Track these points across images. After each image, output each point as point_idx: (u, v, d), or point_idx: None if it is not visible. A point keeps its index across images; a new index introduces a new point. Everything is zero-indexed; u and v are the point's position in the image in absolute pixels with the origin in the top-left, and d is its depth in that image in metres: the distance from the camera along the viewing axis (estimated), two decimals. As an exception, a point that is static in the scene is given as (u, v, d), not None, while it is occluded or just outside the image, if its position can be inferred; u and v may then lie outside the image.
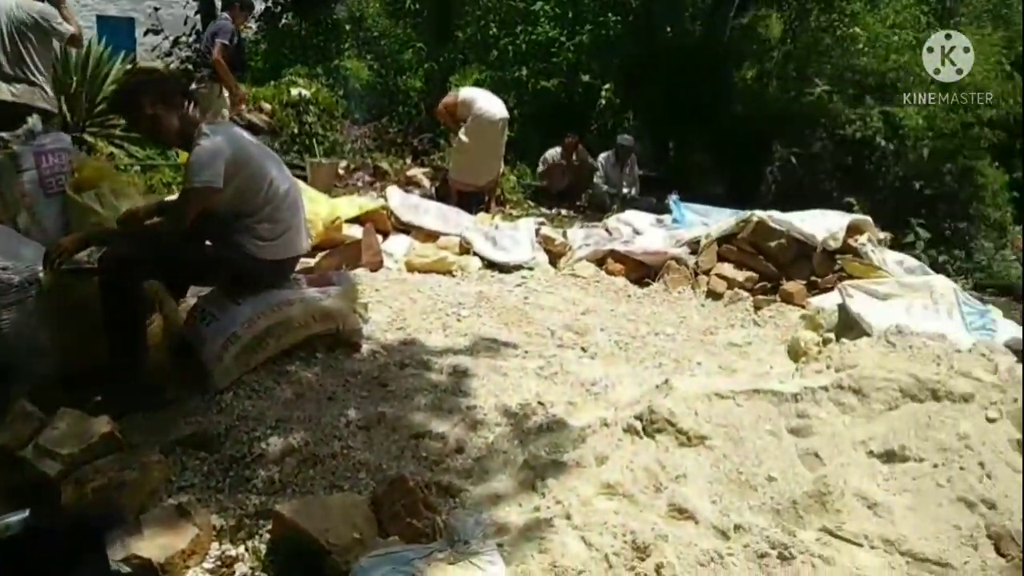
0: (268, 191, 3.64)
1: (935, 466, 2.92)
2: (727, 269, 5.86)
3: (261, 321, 3.66)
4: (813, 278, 5.64)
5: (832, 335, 4.60)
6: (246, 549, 2.66)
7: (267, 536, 2.66)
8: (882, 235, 6.12)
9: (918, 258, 8.51)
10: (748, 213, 6.01)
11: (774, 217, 5.83)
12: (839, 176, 11.01)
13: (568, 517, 2.76)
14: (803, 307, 5.27)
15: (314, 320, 3.81)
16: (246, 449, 3.16)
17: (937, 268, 9.36)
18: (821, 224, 5.68)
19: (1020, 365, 3.73)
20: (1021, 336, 4.22)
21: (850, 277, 5.23)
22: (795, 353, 4.55)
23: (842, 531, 2.76)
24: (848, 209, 8.06)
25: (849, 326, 4.57)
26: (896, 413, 3.17)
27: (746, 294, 5.70)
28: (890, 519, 2.78)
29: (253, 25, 12.93)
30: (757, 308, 5.53)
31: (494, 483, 3.08)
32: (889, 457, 3.00)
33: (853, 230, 5.69)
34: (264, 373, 3.67)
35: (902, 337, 3.89)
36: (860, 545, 2.72)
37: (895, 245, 8.59)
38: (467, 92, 8.75)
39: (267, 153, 3.83)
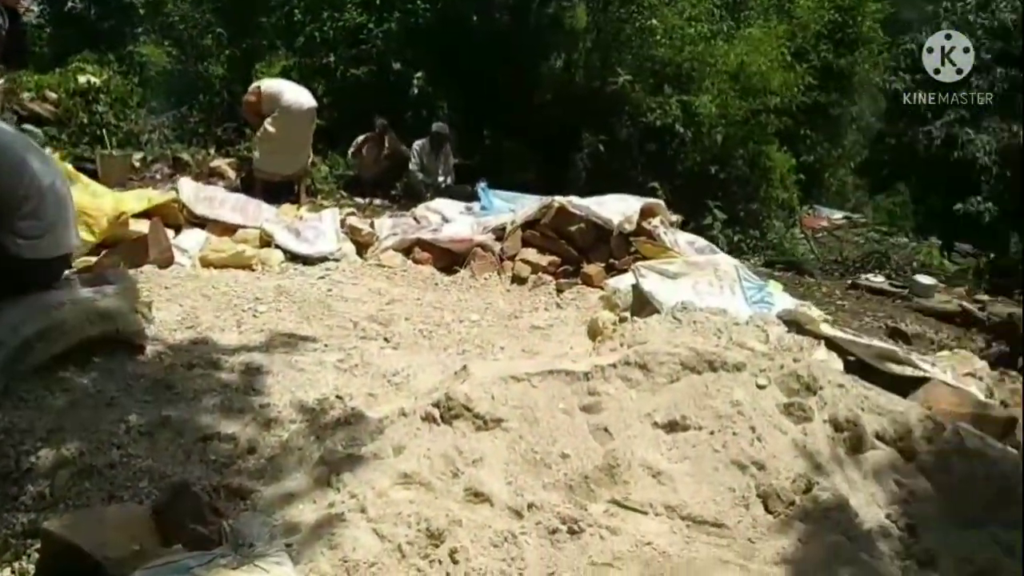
0: (29, 186, 3.37)
1: (711, 433, 3.10)
2: (531, 254, 6.00)
3: (28, 326, 3.39)
4: (611, 260, 5.88)
5: (628, 314, 4.80)
6: (12, 571, 2.49)
7: (36, 556, 2.48)
8: (674, 217, 6.44)
9: (715, 239, 9.06)
10: (550, 199, 6.17)
11: (573, 202, 6.02)
12: (644, 162, 11.48)
13: (363, 510, 2.74)
14: (602, 288, 5.47)
15: (89, 322, 3.56)
16: (13, 464, 2.93)
17: (734, 247, 10.02)
18: (617, 208, 5.92)
19: (790, 334, 4.04)
20: (793, 307, 4.56)
21: (644, 258, 5.47)
22: (594, 333, 4.71)
23: (629, 501, 2.88)
24: (652, 194, 8.45)
25: (643, 305, 4.79)
26: (678, 385, 3.34)
27: (549, 278, 5.86)
28: (672, 486, 2.93)
29: (35, 8, 11.95)
30: (560, 291, 5.70)
31: (288, 482, 3.00)
32: (671, 427, 3.16)
33: (647, 213, 5.97)
34: (34, 381, 3.40)
35: (687, 313, 4.12)
36: (645, 513, 2.85)
37: (696, 227, 9.12)
38: (271, 85, 8.49)
39: (28, 145, 3.55)
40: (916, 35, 17.94)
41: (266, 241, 6.14)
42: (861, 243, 13.11)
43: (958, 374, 4.28)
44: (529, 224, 6.18)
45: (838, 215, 19.30)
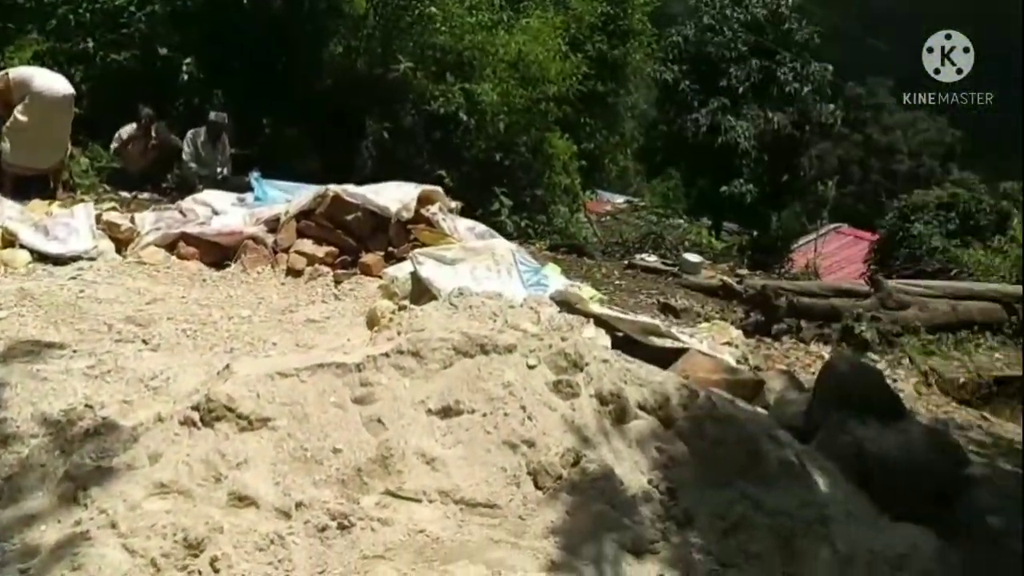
0: None
1: (484, 415, 3.12)
2: (307, 245, 5.84)
3: None
4: (390, 249, 5.83)
5: (407, 302, 4.76)
6: None
7: None
8: (453, 204, 6.47)
9: (502, 225, 9.24)
10: (325, 188, 6.01)
11: (348, 191, 5.92)
12: (430, 149, 11.49)
13: (113, 526, 2.58)
14: (381, 277, 5.41)
15: None
16: None
17: (521, 232, 10.27)
18: (394, 196, 5.88)
19: (561, 314, 4.15)
20: (564, 288, 4.71)
21: (423, 245, 5.46)
22: (372, 323, 4.64)
23: (402, 491, 2.85)
24: (439, 181, 8.46)
25: (421, 292, 4.78)
26: (451, 370, 3.33)
27: (327, 269, 5.74)
28: (446, 471, 2.93)
29: None
30: (337, 282, 5.59)
31: (28, 502, 2.79)
32: (445, 413, 3.15)
33: (425, 200, 5.97)
34: None
35: (464, 298, 4.12)
36: (419, 501, 2.83)
37: (484, 213, 9.24)
38: (20, 72, 7.92)
39: None
40: (680, 28, 19.17)
41: (9, 241, 5.64)
42: (640, 225, 13.84)
43: (716, 343, 4.58)
44: (305, 215, 6.00)
45: (620, 199, 20.37)
